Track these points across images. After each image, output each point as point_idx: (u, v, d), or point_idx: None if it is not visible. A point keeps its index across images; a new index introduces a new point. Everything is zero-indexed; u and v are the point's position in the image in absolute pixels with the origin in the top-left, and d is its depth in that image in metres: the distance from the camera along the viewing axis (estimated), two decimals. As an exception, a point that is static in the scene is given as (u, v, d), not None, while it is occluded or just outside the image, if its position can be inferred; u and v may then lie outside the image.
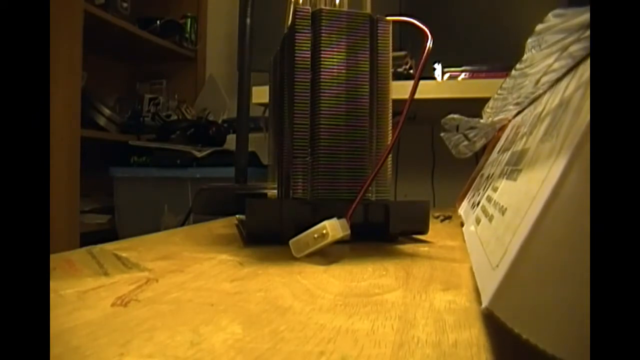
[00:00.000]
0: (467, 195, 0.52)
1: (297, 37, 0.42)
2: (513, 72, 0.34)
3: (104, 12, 1.40)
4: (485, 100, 0.51)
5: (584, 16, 0.19)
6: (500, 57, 0.94)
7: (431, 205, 0.46)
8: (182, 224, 1.05)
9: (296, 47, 0.42)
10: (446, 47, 0.88)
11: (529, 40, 0.26)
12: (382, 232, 0.43)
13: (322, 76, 0.41)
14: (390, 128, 0.44)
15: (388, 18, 0.44)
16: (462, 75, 1.04)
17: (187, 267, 0.31)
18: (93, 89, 1.50)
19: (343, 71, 0.42)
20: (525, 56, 0.29)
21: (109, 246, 0.39)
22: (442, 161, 1.33)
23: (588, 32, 0.19)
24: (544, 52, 0.25)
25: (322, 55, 0.42)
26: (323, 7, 0.43)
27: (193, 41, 1.79)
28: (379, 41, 0.44)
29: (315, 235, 0.35)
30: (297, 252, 0.35)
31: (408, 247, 0.42)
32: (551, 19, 0.22)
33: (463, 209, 0.49)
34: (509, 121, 0.50)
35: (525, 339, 0.12)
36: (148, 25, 1.60)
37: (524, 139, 0.30)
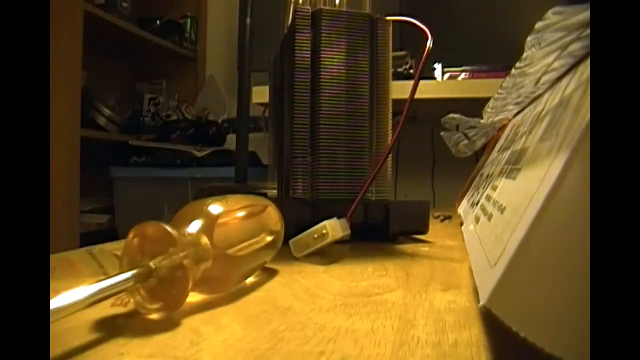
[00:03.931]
0: (467, 194, 0.52)
1: (297, 37, 0.42)
2: (513, 70, 0.34)
3: (104, 12, 1.39)
4: (485, 100, 0.51)
5: (584, 14, 0.19)
6: (500, 57, 0.94)
7: (431, 205, 0.46)
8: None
9: (296, 47, 0.42)
10: (446, 47, 0.88)
11: (529, 38, 0.26)
12: (382, 232, 0.43)
13: (322, 76, 0.41)
14: (390, 128, 0.44)
15: (388, 18, 0.44)
16: (462, 75, 1.04)
17: (187, 267, 0.31)
18: (93, 89, 1.50)
19: (343, 71, 0.42)
20: (525, 54, 0.29)
21: (109, 246, 0.39)
22: (442, 161, 1.33)
23: (588, 31, 0.19)
24: (544, 50, 0.25)
25: (322, 55, 0.41)
26: (323, 7, 0.43)
27: (193, 41, 1.79)
28: (379, 41, 0.44)
29: (315, 235, 0.34)
30: (297, 252, 0.35)
31: (408, 247, 0.42)
32: (551, 16, 0.22)
33: (462, 208, 0.49)
34: (509, 120, 0.50)
35: (522, 337, 0.12)
36: (148, 25, 1.60)
37: (524, 138, 0.30)
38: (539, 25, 0.24)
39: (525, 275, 0.13)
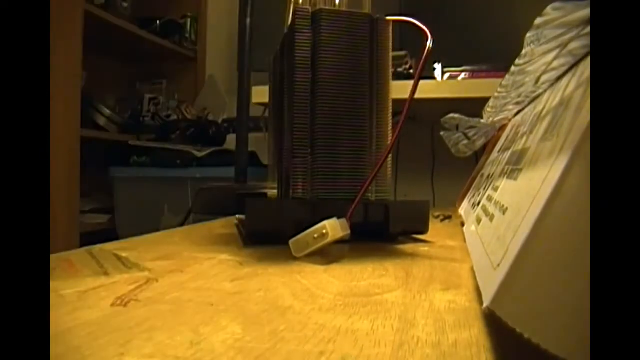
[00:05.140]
0: (468, 195, 0.52)
1: (297, 37, 0.42)
2: (513, 68, 0.34)
3: (104, 12, 1.39)
4: (486, 100, 0.51)
5: (584, 11, 0.19)
6: (500, 57, 0.94)
7: (431, 205, 0.46)
8: (182, 224, 1.05)
9: (296, 47, 0.42)
10: (446, 47, 0.88)
11: (528, 34, 0.26)
12: (382, 232, 0.43)
13: (322, 76, 0.41)
14: (390, 128, 0.44)
15: (388, 18, 0.44)
16: (462, 75, 1.04)
17: (187, 267, 0.31)
18: (93, 89, 1.50)
19: (343, 71, 0.42)
20: (524, 51, 0.29)
21: (109, 246, 0.39)
22: (442, 161, 1.33)
23: (588, 29, 0.19)
24: (543, 47, 0.25)
25: (322, 55, 0.41)
26: (323, 7, 0.43)
27: (193, 41, 1.78)
28: (379, 41, 0.44)
29: (315, 235, 0.34)
30: (297, 252, 0.35)
31: (408, 247, 0.42)
32: (550, 12, 0.22)
33: (463, 208, 0.49)
34: (509, 120, 0.50)
35: (527, 339, 0.12)
36: (148, 25, 1.60)
37: (525, 138, 0.30)
38: (538, 21, 0.24)
39: (528, 277, 0.13)
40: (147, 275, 0.29)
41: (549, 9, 0.22)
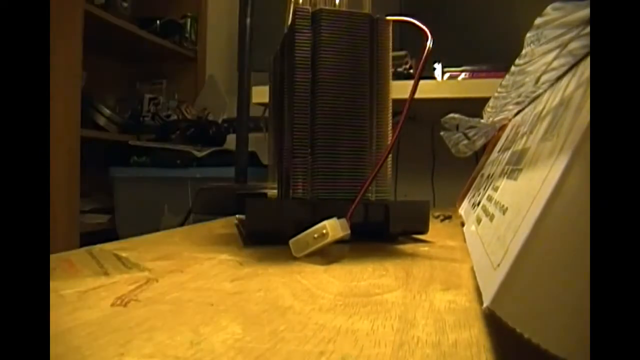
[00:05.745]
0: (468, 195, 0.52)
1: (297, 37, 0.42)
2: (513, 68, 0.34)
3: (104, 12, 1.39)
4: (486, 100, 0.51)
5: (584, 11, 0.19)
6: (500, 57, 0.94)
7: (431, 205, 0.46)
8: (182, 224, 1.05)
9: (296, 47, 0.42)
10: (446, 47, 0.88)
11: (528, 34, 0.26)
12: (382, 232, 0.43)
13: (322, 76, 0.41)
14: (390, 128, 0.44)
15: (388, 18, 0.44)
16: (462, 75, 1.04)
17: (187, 267, 0.31)
18: (93, 89, 1.50)
19: (343, 71, 0.42)
20: (524, 51, 0.29)
21: (109, 246, 0.39)
22: (442, 161, 1.33)
23: (588, 29, 0.19)
24: (543, 47, 0.25)
25: (322, 55, 0.41)
26: (323, 7, 0.43)
27: (193, 41, 1.79)
28: (379, 41, 0.44)
29: (315, 235, 0.34)
30: (297, 252, 0.35)
31: (408, 247, 0.42)
32: (550, 12, 0.22)
33: (463, 208, 0.49)
34: (509, 120, 0.50)
35: (527, 339, 0.12)
36: (148, 25, 1.60)
37: (525, 138, 0.30)
38: (538, 21, 0.24)
39: (528, 277, 0.13)
40: (147, 275, 0.29)
41: (549, 9, 0.22)
